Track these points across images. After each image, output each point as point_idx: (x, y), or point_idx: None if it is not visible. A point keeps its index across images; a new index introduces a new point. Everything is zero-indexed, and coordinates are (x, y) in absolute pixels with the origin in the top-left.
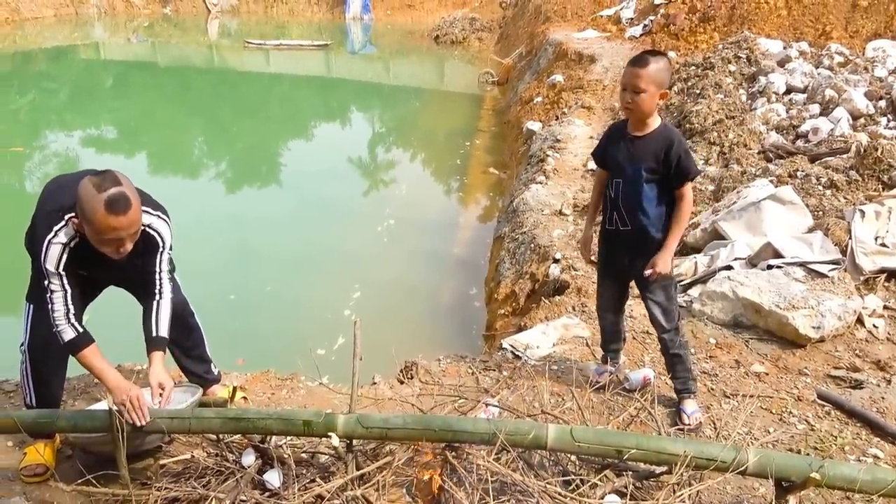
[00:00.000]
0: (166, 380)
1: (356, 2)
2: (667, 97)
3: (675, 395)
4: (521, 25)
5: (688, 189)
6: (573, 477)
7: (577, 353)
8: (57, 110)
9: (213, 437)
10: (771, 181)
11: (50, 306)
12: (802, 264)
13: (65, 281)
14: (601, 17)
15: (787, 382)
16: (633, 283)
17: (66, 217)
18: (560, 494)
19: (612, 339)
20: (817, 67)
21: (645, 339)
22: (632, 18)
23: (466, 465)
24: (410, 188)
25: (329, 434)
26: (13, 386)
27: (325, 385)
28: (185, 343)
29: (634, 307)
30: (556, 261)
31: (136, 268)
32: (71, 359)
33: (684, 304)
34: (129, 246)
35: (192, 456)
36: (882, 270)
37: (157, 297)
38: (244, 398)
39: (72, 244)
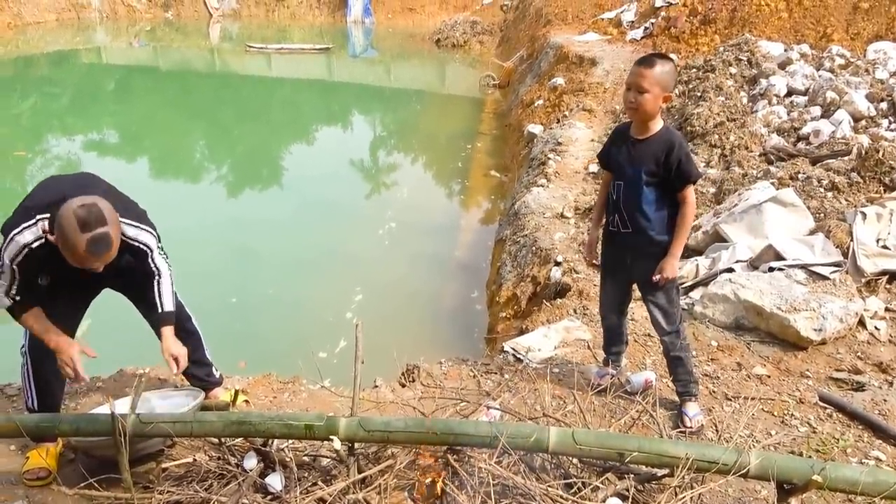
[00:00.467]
0: (179, 350)
1: (357, 5)
2: (670, 101)
3: (676, 398)
4: (522, 28)
5: (690, 192)
6: (575, 480)
7: (578, 355)
8: (59, 114)
9: (216, 440)
10: (772, 183)
11: None
12: (804, 266)
13: (16, 275)
14: (602, 20)
15: (789, 385)
16: (635, 286)
17: (37, 218)
18: (562, 497)
19: (613, 341)
20: (818, 70)
21: (647, 342)
22: (633, 21)
23: (468, 468)
24: (412, 191)
25: (331, 437)
26: (15, 390)
27: (326, 388)
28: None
29: (636, 310)
30: (557, 264)
31: (124, 274)
32: None
33: (686, 307)
34: (101, 267)
35: (195, 459)
36: (883, 272)
37: (157, 276)
38: (246, 401)
39: (34, 245)
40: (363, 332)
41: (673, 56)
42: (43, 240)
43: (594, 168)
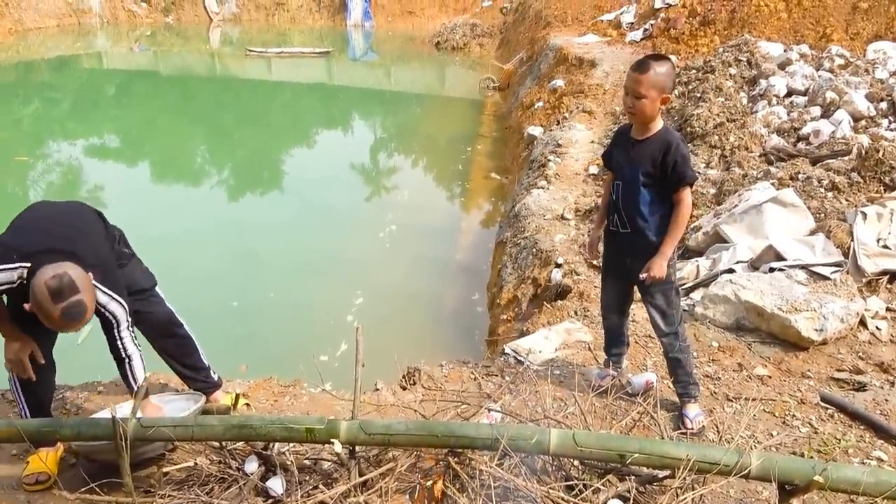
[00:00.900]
0: (156, 404)
1: (357, 9)
2: (669, 101)
3: (678, 399)
4: (521, 31)
5: (685, 194)
6: (576, 482)
7: (579, 357)
8: (60, 120)
9: (217, 444)
10: (772, 184)
11: None
12: (804, 267)
13: None
14: (601, 21)
15: (790, 385)
16: (636, 287)
17: (18, 265)
18: (563, 499)
19: (614, 342)
20: (818, 70)
21: (647, 343)
22: (632, 23)
23: (469, 470)
24: (412, 194)
25: (332, 440)
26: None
27: (327, 391)
28: (178, 354)
29: (637, 311)
30: (558, 265)
31: None
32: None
33: (686, 308)
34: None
35: (196, 463)
36: (884, 272)
37: (127, 360)
38: (247, 405)
39: (5, 286)
40: (364, 335)
41: (672, 57)
42: (15, 285)
43: (594, 170)
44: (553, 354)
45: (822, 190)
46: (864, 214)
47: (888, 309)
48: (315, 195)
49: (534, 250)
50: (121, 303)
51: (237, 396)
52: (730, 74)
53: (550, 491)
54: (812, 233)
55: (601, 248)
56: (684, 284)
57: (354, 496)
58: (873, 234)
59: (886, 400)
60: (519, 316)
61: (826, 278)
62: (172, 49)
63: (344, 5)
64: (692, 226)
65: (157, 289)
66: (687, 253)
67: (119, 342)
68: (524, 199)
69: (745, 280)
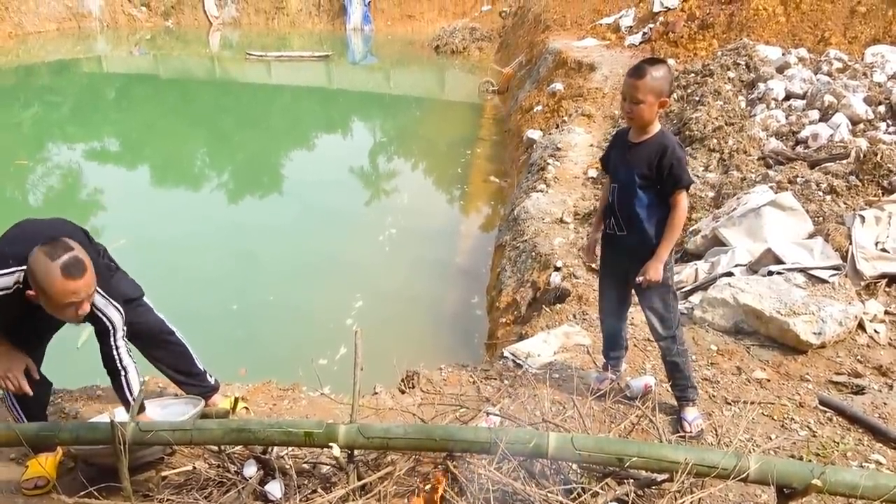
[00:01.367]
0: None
1: (357, 13)
2: (667, 105)
3: (676, 403)
4: (520, 34)
5: (681, 197)
6: (575, 485)
7: (578, 361)
8: (60, 123)
9: (215, 448)
10: (771, 187)
11: None
12: (803, 270)
13: None
14: (600, 25)
15: (789, 389)
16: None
17: (14, 269)
18: (561, 503)
19: (613, 345)
20: (816, 73)
21: (646, 347)
22: (631, 26)
23: (468, 474)
24: (412, 197)
25: (330, 444)
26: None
27: (326, 395)
28: (172, 362)
29: (635, 314)
30: (557, 269)
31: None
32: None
33: (685, 311)
34: (88, 307)
35: (194, 467)
36: (883, 275)
37: (123, 373)
38: (246, 409)
39: (2, 293)
40: (363, 339)
41: (671, 61)
42: (11, 291)
43: (593, 173)
44: (552, 358)
45: (821, 193)
46: (863, 218)
47: (886, 312)
48: (315, 198)
49: (533, 254)
50: (118, 308)
51: (236, 400)
52: (728, 78)
53: (549, 495)
54: (810, 236)
55: (599, 251)
56: (683, 288)
57: (353, 500)
58: (871, 237)
59: (885, 403)
60: (518, 319)
61: (824, 282)
62: (172, 53)
63: (343, 9)
64: (691, 229)
65: (144, 298)
66: (686, 256)
67: (115, 352)
68: (523, 203)
69: (743, 283)
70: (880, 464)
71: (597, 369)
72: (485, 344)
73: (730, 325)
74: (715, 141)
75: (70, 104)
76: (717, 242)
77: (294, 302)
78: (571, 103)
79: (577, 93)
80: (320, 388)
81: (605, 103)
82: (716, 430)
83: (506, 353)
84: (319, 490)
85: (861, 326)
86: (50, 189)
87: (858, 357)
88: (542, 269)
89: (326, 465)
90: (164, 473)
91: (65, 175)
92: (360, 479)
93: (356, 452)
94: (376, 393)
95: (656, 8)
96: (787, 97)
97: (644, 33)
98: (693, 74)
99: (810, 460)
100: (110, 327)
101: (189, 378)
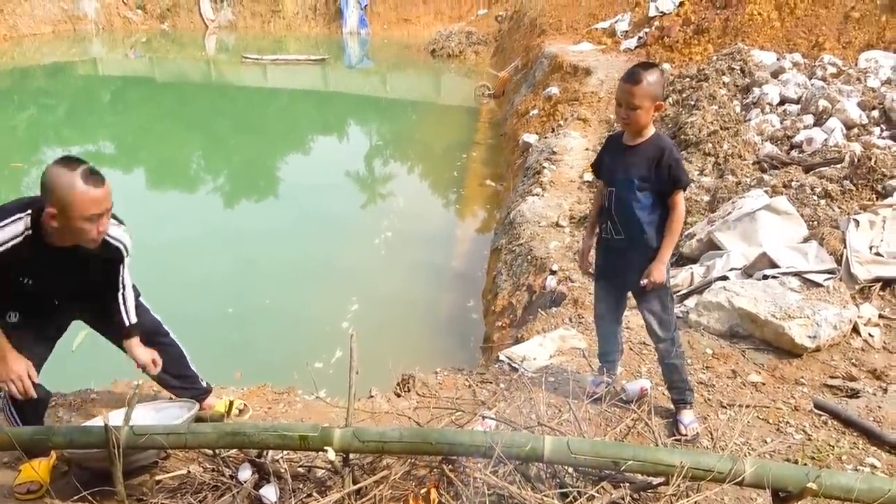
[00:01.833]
0: (150, 354)
1: (353, 16)
2: (662, 108)
3: (672, 406)
4: (516, 39)
5: (679, 198)
6: (570, 489)
7: (573, 364)
8: (55, 126)
9: (210, 451)
10: (766, 191)
11: None
12: (798, 274)
13: None
14: (596, 29)
15: (784, 392)
16: (630, 293)
17: (16, 216)
18: None
19: (609, 349)
20: (811, 78)
21: (642, 350)
22: (626, 31)
23: (463, 478)
24: (408, 201)
25: (326, 448)
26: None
27: (321, 399)
28: (166, 364)
29: (631, 318)
30: (552, 272)
31: (92, 296)
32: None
33: (681, 315)
34: (106, 223)
35: (189, 471)
36: (877, 279)
37: (122, 289)
38: (244, 405)
39: (10, 244)
40: (358, 342)
41: (666, 66)
42: (20, 239)
43: (589, 177)
44: (547, 361)
45: (815, 197)
46: (857, 222)
47: (881, 316)
48: (311, 202)
49: (528, 257)
50: (129, 237)
51: (231, 403)
52: (723, 83)
53: (545, 498)
54: (805, 240)
55: (593, 257)
56: (678, 291)
57: None
58: (866, 241)
59: (879, 406)
60: (514, 323)
61: (819, 285)
62: (168, 56)
63: (340, 13)
64: (686, 233)
65: (140, 299)
66: (681, 260)
67: (121, 277)
68: (519, 207)
69: (738, 287)
70: (875, 467)
71: (592, 373)
72: (480, 347)
73: (725, 329)
74: (710, 145)
75: (65, 107)
76: (712, 246)
77: (290, 305)
78: (567, 107)
79: (572, 97)
80: (316, 391)
81: (600, 107)
82: (711, 434)
83: (501, 357)
84: (315, 494)
85: (856, 330)
86: None
87: (853, 360)
88: (537, 273)
89: (322, 468)
90: (158, 477)
91: None
92: (355, 482)
93: (351, 456)
94: (372, 396)
95: (652, 13)
96: (782, 102)
97: (639, 38)
98: (688, 79)
99: (805, 464)
100: (125, 253)
101: (182, 381)
